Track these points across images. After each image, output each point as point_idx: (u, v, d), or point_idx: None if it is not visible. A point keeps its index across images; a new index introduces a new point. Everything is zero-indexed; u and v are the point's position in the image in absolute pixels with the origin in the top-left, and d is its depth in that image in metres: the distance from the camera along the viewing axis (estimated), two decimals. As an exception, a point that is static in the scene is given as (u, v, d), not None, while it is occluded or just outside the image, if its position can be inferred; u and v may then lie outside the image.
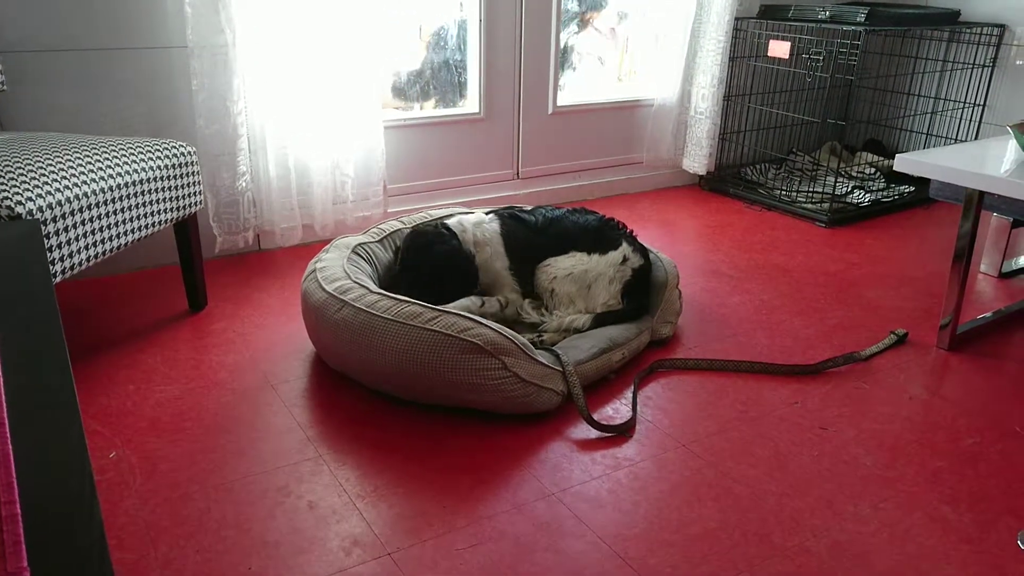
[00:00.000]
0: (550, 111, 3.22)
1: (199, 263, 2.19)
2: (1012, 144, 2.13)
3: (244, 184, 2.50)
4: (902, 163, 2.02)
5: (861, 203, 3.24)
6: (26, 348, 0.71)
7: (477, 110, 3.06)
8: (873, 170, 3.54)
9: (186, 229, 2.12)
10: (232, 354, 1.99)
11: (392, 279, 2.10)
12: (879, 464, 1.61)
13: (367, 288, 1.83)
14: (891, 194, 3.35)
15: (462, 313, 1.72)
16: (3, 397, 0.61)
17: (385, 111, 2.78)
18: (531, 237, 2.13)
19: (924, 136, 3.68)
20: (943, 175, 1.95)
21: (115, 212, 1.79)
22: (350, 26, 2.51)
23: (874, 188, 3.40)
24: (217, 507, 1.44)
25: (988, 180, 1.86)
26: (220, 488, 1.49)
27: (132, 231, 1.86)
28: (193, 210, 2.09)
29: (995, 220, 2.61)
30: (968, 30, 3.39)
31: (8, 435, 0.57)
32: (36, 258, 0.94)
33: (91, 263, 1.74)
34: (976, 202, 1.99)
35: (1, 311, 0.77)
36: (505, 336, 1.69)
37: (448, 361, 1.65)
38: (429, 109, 3.04)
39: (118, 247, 1.82)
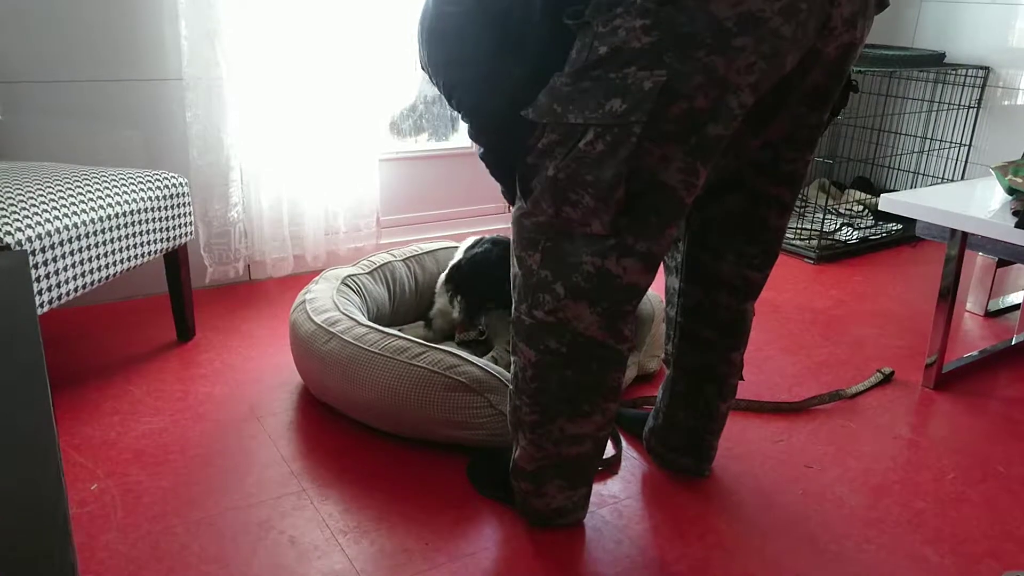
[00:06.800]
0: (542, 146, 3.25)
1: (188, 293, 2.19)
2: (996, 185, 2.16)
3: (236, 215, 2.51)
4: (887, 203, 2.04)
5: (849, 240, 3.27)
6: (5, 382, 0.72)
7: (469, 144, 3.08)
8: (861, 207, 3.58)
9: (176, 259, 2.13)
10: (219, 385, 1.99)
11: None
12: (863, 504, 1.61)
13: (356, 320, 1.84)
14: (879, 231, 3.39)
15: (450, 350, 1.72)
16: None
17: (378, 144, 2.80)
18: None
19: (912, 175, 3.72)
20: (927, 215, 1.97)
21: (105, 243, 1.80)
22: (343, 59, 2.55)
23: (862, 225, 3.44)
24: (198, 542, 1.43)
25: (972, 221, 1.88)
26: (202, 522, 1.48)
27: (121, 261, 1.86)
28: (183, 241, 2.10)
29: (981, 259, 2.63)
30: (953, 72, 3.45)
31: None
32: (22, 290, 0.94)
33: (79, 293, 1.75)
34: (961, 242, 2.02)
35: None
36: (491, 373, 1.69)
37: (433, 398, 1.65)
38: (422, 143, 3.07)
39: (107, 277, 1.82)
